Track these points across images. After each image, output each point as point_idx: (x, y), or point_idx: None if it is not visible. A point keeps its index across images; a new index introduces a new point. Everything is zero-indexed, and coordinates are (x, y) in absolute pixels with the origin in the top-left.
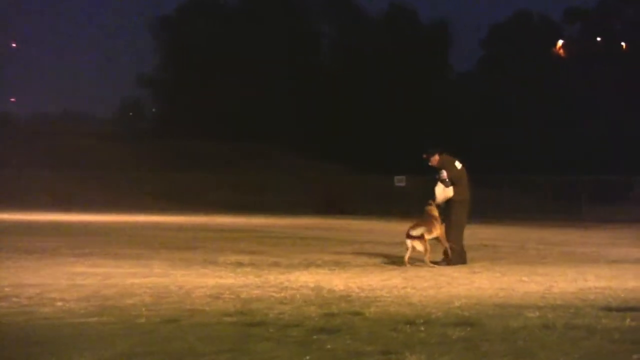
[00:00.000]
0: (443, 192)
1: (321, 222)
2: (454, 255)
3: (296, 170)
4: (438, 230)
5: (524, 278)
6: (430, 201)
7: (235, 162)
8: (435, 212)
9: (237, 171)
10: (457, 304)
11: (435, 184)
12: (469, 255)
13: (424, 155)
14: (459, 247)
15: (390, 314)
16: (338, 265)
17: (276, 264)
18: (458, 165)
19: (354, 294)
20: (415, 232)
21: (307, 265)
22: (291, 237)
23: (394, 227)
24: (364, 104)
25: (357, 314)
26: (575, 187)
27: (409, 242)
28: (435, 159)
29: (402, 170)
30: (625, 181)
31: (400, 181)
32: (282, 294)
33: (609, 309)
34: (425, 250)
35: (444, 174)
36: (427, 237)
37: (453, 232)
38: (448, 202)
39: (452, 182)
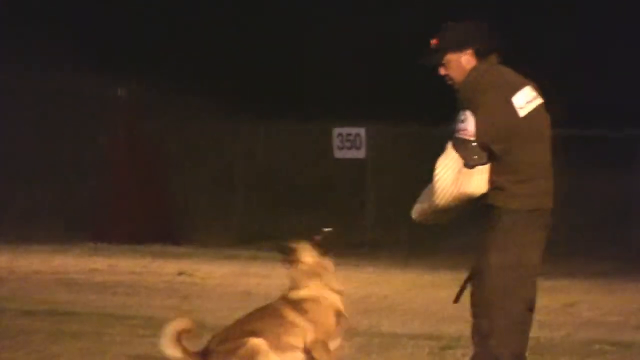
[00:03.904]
0: (455, 177)
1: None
2: None
3: None
4: (312, 334)
5: None
6: (297, 246)
7: None
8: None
9: None
10: None
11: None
12: None
13: (433, 42)
14: None
15: None
16: None
17: None
18: (520, 103)
19: None
20: None
21: None
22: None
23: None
24: None
25: None
26: None
27: None
28: (459, 60)
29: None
30: None
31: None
32: None
33: None
34: None
35: (468, 121)
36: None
37: (494, 317)
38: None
39: (488, 152)
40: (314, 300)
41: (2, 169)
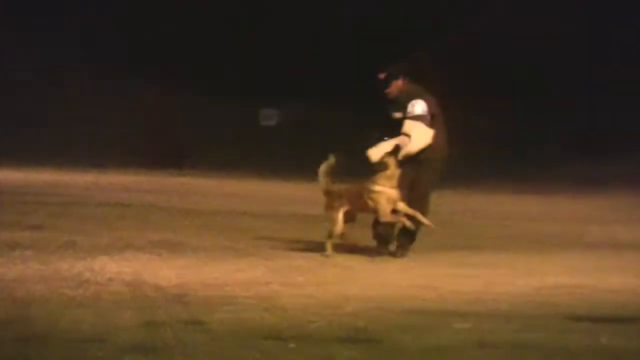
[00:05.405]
0: (420, 134)
1: (148, 180)
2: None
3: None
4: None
5: (453, 270)
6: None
7: None
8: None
9: None
10: (348, 308)
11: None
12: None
13: (381, 76)
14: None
15: (245, 324)
16: (170, 247)
17: (72, 245)
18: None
19: (191, 293)
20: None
21: (122, 247)
22: (99, 204)
23: (264, 190)
24: None
25: (195, 323)
26: None
27: None
28: (397, 84)
29: (284, 94)
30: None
31: (268, 118)
32: (80, 292)
33: (576, 318)
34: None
35: (418, 106)
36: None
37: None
38: (419, 157)
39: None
40: (381, 193)
41: None
